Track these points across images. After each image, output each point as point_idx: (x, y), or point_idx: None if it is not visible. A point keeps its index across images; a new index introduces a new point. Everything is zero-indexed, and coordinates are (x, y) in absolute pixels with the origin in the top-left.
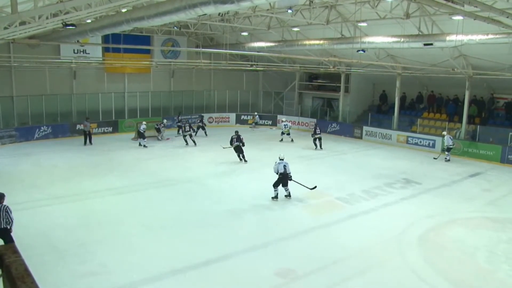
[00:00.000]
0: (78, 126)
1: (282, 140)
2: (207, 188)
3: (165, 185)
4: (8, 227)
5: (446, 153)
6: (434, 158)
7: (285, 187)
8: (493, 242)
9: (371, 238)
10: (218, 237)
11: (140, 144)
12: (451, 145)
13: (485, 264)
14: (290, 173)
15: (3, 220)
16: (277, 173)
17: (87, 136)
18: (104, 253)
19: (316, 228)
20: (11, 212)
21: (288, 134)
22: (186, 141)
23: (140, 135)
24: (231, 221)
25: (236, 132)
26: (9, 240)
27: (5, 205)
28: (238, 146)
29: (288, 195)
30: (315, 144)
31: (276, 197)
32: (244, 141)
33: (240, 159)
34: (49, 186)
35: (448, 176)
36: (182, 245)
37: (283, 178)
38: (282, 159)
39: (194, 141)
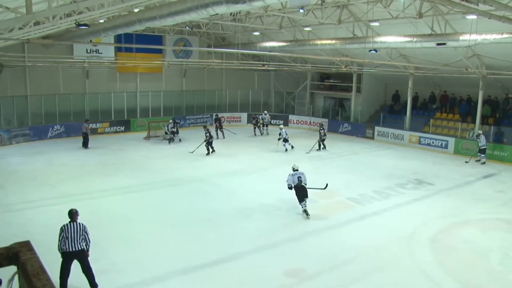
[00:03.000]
0: (89, 124)
1: (286, 150)
2: (216, 188)
3: (175, 184)
4: (86, 249)
5: (483, 155)
6: (466, 162)
7: (304, 200)
8: (507, 244)
9: (382, 238)
10: (227, 236)
11: (169, 142)
12: (485, 146)
13: (498, 266)
14: (306, 184)
15: (80, 240)
16: (290, 188)
17: (84, 138)
18: (114, 252)
19: (327, 228)
20: (89, 233)
21: (287, 141)
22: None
23: (172, 133)
24: (240, 221)
25: (205, 126)
26: (86, 265)
27: (82, 224)
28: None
29: (306, 212)
30: (320, 145)
31: (308, 213)
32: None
33: (213, 151)
34: (60, 184)
35: (461, 177)
36: (191, 244)
37: (300, 191)
38: (297, 170)
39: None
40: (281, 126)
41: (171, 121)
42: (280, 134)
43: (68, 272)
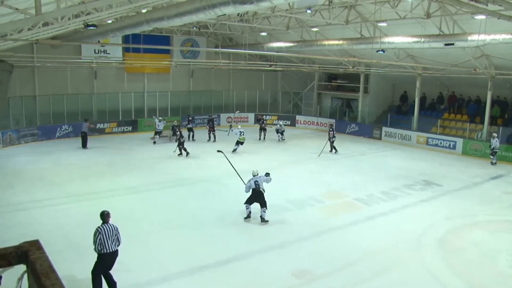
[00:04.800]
0: (98, 125)
1: (235, 150)
2: (224, 188)
3: (182, 184)
4: (117, 250)
5: (493, 156)
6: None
7: (262, 208)
8: None
9: (389, 239)
10: (234, 236)
11: (154, 143)
12: (497, 148)
13: (506, 268)
14: (263, 188)
15: (115, 240)
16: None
17: (83, 137)
18: (121, 251)
19: (334, 229)
20: (120, 234)
21: (242, 143)
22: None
23: (157, 133)
24: (248, 221)
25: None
26: (112, 265)
27: (114, 225)
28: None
29: (263, 220)
30: (331, 147)
31: (248, 216)
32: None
33: (187, 153)
34: (68, 184)
35: (469, 178)
36: (199, 244)
37: (256, 196)
38: (256, 175)
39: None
40: (239, 125)
41: (175, 122)
42: (231, 130)
43: (101, 277)
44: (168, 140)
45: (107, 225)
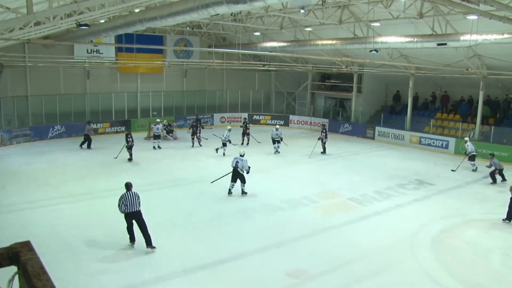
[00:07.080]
0: (91, 125)
1: (217, 151)
2: (220, 188)
3: (178, 185)
4: (140, 210)
5: (472, 162)
6: (453, 170)
7: (232, 184)
8: (508, 244)
9: (384, 239)
10: (229, 237)
11: (154, 147)
12: (473, 152)
13: (500, 267)
14: (242, 168)
15: (137, 204)
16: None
17: (86, 139)
18: (116, 251)
19: (328, 229)
20: (139, 198)
21: (224, 144)
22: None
23: (155, 136)
24: (243, 221)
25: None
26: (142, 223)
27: (136, 192)
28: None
29: (243, 192)
30: (323, 148)
31: (229, 192)
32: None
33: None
34: (63, 184)
35: (462, 178)
36: (194, 245)
37: (234, 173)
38: (241, 156)
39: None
40: (229, 127)
41: (165, 121)
42: (223, 136)
43: (132, 226)
44: (163, 140)
45: (129, 192)
